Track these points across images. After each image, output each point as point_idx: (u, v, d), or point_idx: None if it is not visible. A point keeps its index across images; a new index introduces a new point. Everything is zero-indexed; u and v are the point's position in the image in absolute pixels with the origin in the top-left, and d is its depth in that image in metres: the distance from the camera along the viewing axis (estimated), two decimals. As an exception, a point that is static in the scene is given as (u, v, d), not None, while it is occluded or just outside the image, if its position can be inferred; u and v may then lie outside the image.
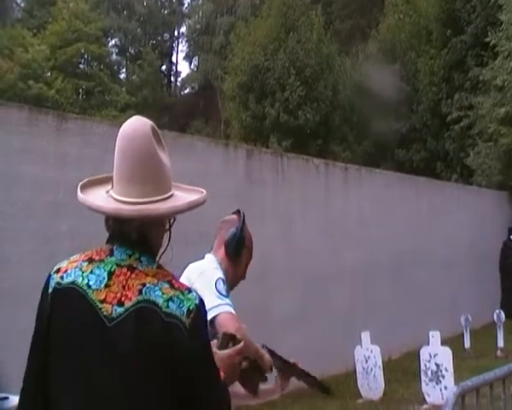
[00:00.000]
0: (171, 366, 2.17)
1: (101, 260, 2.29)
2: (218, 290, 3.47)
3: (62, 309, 2.25)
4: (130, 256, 2.28)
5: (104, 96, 39.80)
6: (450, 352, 9.87)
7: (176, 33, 57.62)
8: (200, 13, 52.98)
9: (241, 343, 2.71)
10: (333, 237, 12.95)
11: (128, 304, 2.19)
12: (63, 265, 2.34)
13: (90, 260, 2.30)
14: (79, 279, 2.25)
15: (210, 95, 41.06)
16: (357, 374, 10.67)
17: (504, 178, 21.67)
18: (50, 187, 8.19)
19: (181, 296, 2.23)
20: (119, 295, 2.20)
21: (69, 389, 2.19)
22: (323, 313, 12.23)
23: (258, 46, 27.66)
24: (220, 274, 3.60)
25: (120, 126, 2.40)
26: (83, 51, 41.42)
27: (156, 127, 2.37)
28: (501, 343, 13.77)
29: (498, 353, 13.49)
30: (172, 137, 10.47)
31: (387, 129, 26.56)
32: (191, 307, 2.22)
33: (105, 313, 2.18)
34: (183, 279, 3.46)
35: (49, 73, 38.82)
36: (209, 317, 3.20)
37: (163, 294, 2.20)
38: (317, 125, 27.29)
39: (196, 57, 53.54)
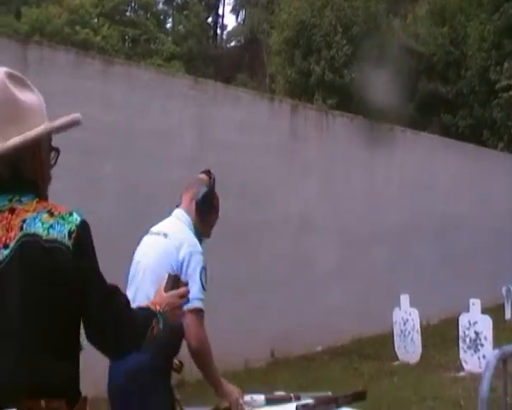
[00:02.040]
0: (58, 286, 2.27)
1: None
2: (201, 282, 3.73)
3: None
4: (10, 200, 2.37)
5: (150, 45, 39.66)
6: (490, 320, 9.69)
7: (223, -15, 57.17)
8: (249, -34, 52.46)
9: (184, 288, 2.81)
10: (375, 198, 12.78)
11: (12, 244, 2.28)
12: None
13: None
14: None
15: (255, 49, 40.67)
16: (395, 336, 10.54)
17: (552, 148, 21.29)
18: (95, 130, 8.06)
19: (61, 221, 2.33)
20: (3, 238, 2.30)
21: None
22: (363, 273, 12.13)
23: (305, 2, 27.19)
24: (203, 260, 3.79)
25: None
26: (130, -2, 41.37)
27: (13, 71, 2.46)
28: (543, 315, 13.58)
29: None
30: (218, 88, 10.36)
31: (434, 92, 26.14)
32: (72, 229, 2.32)
33: None
34: (171, 244, 3.79)
35: (95, 20, 38.82)
36: (192, 305, 3.50)
37: (43, 223, 2.31)
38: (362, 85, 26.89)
39: (243, 11, 53.08)
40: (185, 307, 3.47)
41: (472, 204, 15.70)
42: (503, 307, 13.68)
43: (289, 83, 27.08)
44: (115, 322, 2.44)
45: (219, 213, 4.08)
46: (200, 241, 3.93)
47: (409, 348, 10.37)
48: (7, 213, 2.36)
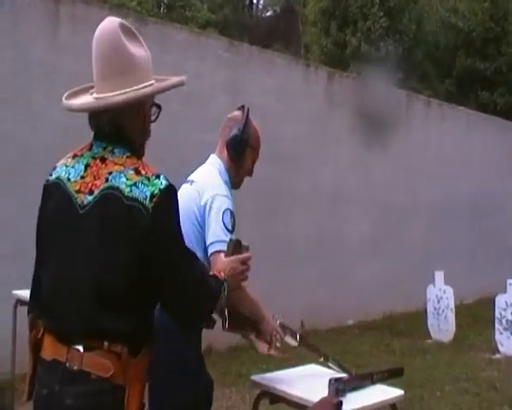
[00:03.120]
0: (133, 246, 2.30)
1: (82, 155, 2.51)
2: (224, 224, 3.43)
3: (48, 201, 2.51)
4: (104, 149, 2.46)
5: (185, 12, 39.20)
6: (528, 302, 9.41)
7: (260, -46, 56.42)
8: None
9: (247, 254, 2.86)
10: (410, 171, 12.45)
11: (96, 192, 2.37)
12: (59, 162, 2.58)
13: (74, 156, 2.54)
14: (63, 173, 2.49)
15: (291, 19, 40.26)
16: (428, 314, 10.25)
17: None
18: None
19: (145, 181, 2.35)
20: (90, 184, 2.40)
21: (48, 266, 2.45)
22: (396, 247, 11.86)
23: (341, -28, 26.75)
24: (228, 202, 3.51)
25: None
26: (166, -36, 40.82)
27: (127, 24, 2.49)
28: None
29: None
30: (252, 52, 10.06)
31: (472, 69, 25.68)
32: (155, 192, 2.33)
33: (79, 201, 2.39)
34: (194, 190, 3.55)
35: (131, -16, 38.45)
36: (213, 249, 3.35)
37: (127, 179, 2.35)
38: (399, 59, 26.47)
39: (279, -20, 52.39)
40: (209, 251, 3.38)
41: (508, 182, 15.31)
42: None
43: (325, 54, 26.69)
44: (188, 294, 2.46)
45: (258, 151, 3.78)
46: (236, 185, 3.73)
47: (442, 327, 10.08)
48: (98, 160, 2.44)
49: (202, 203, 3.46)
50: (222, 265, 2.78)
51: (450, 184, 13.32)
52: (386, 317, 11.39)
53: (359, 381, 3.50)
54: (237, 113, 3.77)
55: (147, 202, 2.30)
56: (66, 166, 2.50)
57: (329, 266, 10.60)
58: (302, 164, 10.29)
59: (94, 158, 2.45)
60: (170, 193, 2.38)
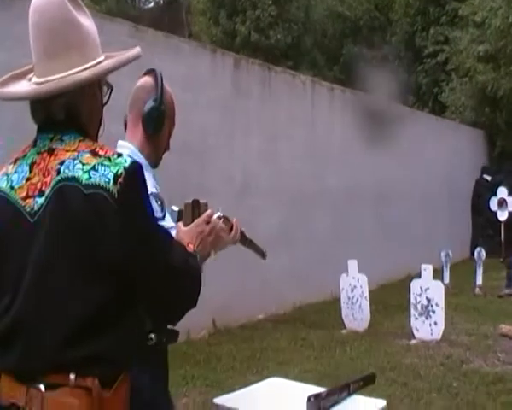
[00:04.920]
0: (102, 244, 1.92)
1: (24, 156, 2.11)
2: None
3: None
4: (51, 139, 2.06)
5: (66, 3, 38.37)
6: (442, 286, 9.41)
7: None
8: None
9: (209, 211, 2.52)
10: (316, 159, 12.29)
11: (47, 190, 1.98)
12: None
13: (16, 160, 2.13)
14: (4, 184, 2.08)
15: (175, 9, 39.80)
16: (342, 303, 10.05)
17: (477, 115, 21.31)
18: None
19: (106, 162, 1.97)
20: (39, 184, 2.00)
21: (1, 297, 2.01)
22: (305, 237, 11.68)
23: (230, -40, 26.61)
24: (149, 186, 2.73)
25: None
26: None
27: None
28: (479, 281, 13.41)
29: (477, 290, 13.11)
30: (158, 37, 9.62)
31: (359, 57, 26.06)
32: (119, 172, 1.95)
33: (28, 209, 2.00)
34: None
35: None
36: None
37: (84, 165, 1.96)
38: (288, 47, 26.53)
39: (162, -31, 51.67)
40: None
41: (408, 168, 15.48)
42: (441, 272, 13.41)
43: (214, 43, 26.45)
44: (173, 277, 2.07)
45: (174, 120, 3.12)
46: (154, 164, 3.05)
47: (357, 316, 9.92)
48: (45, 154, 2.04)
49: None
50: (188, 236, 2.39)
51: (354, 172, 13.26)
52: (296, 309, 11.19)
53: (338, 394, 3.24)
54: (147, 79, 3.04)
55: (110, 185, 1.92)
56: (8, 175, 2.09)
57: (238, 260, 10.26)
58: (211, 155, 9.93)
59: (39, 153, 2.05)
60: (137, 171, 2.00)
